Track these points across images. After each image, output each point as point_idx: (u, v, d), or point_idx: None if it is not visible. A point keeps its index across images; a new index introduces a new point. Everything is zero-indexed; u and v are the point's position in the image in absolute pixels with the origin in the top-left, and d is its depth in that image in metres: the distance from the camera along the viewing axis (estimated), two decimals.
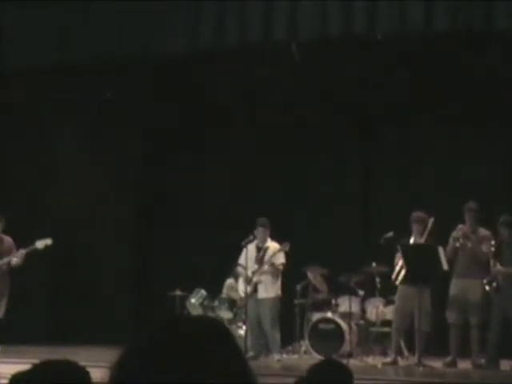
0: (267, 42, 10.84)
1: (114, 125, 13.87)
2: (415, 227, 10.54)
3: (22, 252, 11.56)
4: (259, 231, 11.21)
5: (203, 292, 11.97)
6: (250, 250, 11.24)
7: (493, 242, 10.12)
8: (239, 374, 1.40)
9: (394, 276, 10.57)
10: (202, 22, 10.87)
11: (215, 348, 1.39)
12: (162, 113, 13.69)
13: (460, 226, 10.44)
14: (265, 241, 11.30)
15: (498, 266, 10.05)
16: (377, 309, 11.50)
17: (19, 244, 11.64)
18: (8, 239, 11.73)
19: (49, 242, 11.59)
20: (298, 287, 11.77)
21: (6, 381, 2.63)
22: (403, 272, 10.38)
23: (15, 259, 11.56)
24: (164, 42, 11.06)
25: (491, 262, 10.08)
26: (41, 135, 13.72)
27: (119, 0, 11.26)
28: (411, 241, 10.60)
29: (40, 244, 11.55)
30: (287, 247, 11.17)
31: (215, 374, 1.36)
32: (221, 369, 1.37)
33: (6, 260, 11.60)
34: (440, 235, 10.45)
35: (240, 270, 11.38)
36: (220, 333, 1.44)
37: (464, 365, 10.29)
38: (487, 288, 9.99)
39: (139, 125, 14.16)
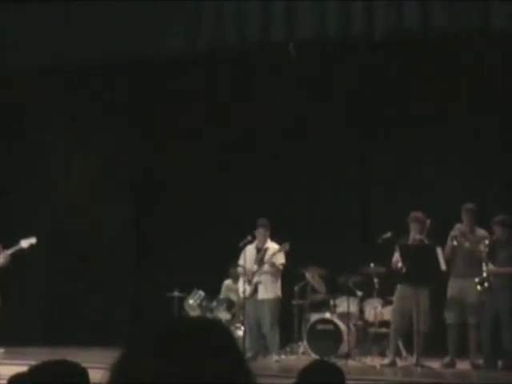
0: (265, 43, 10.84)
1: (113, 124, 13.88)
2: (413, 227, 10.52)
3: (7, 253, 11.52)
4: (260, 231, 11.20)
5: (201, 293, 11.96)
6: (250, 250, 11.23)
7: (487, 242, 10.12)
8: (240, 374, 1.40)
9: (399, 265, 10.36)
10: (200, 23, 10.87)
11: (216, 349, 1.39)
12: (162, 112, 13.72)
13: (457, 226, 10.45)
14: (265, 241, 11.28)
15: (490, 266, 10.05)
16: (375, 309, 11.50)
17: (6, 245, 11.60)
18: None
19: (33, 240, 11.54)
20: (296, 288, 11.76)
21: (5, 382, 2.63)
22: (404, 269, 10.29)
23: (1, 260, 11.53)
24: (162, 42, 11.06)
25: (484, 261, 10.07)
26: (40, 134, 13.70)
27: (119, 0, 11.26)
28: (409, 241, 10.59)
29: (25, 243, 11.50)
30: (287, 247, 11.15)
31: (216, 374, 1.36)
32: (221, 370, 1.37)
33: None
34: (438, 236, 10.44)
35: (240, 270, 11.36)
36: (221, 334, 1.44)
37: (462, 365, 10.28)
38: (478, 288, 9.98)
39: (139, 124, 14.16)
